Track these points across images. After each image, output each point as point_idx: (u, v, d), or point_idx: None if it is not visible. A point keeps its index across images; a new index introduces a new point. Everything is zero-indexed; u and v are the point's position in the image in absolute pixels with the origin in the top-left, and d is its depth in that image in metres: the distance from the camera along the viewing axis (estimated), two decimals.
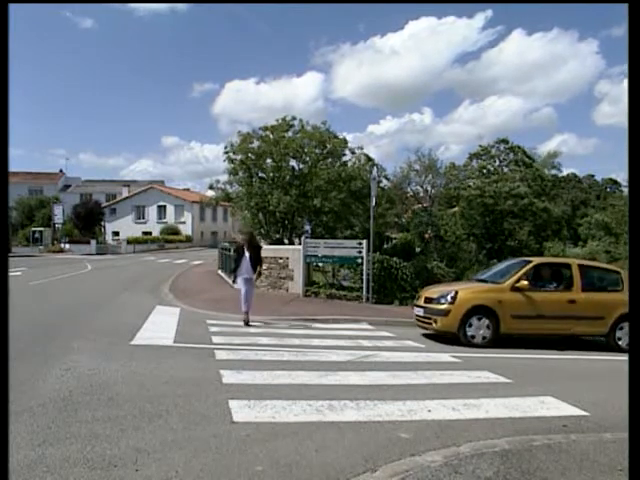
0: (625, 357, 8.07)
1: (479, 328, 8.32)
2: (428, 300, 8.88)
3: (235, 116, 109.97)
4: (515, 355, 7.72)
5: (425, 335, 9.05)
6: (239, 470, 2.93)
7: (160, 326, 8.41)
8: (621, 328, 8.79)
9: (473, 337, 8.31)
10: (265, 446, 3.29)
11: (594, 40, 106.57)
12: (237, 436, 3.44)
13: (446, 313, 8.40)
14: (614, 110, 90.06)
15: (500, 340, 8.34)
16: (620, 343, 8.80)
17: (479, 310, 8.34)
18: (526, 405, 4.56)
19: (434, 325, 8.61)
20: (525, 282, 8.60)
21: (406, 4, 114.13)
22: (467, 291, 8.75)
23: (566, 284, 9.01)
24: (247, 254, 9.23)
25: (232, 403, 4.11)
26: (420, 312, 9.00)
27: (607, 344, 8.85)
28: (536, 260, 9.52)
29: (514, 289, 8.54)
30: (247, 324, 9.02)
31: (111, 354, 5.98)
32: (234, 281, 9.89)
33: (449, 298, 8.49)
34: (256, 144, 21.43)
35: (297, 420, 3.84)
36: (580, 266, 9.16)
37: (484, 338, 8.32)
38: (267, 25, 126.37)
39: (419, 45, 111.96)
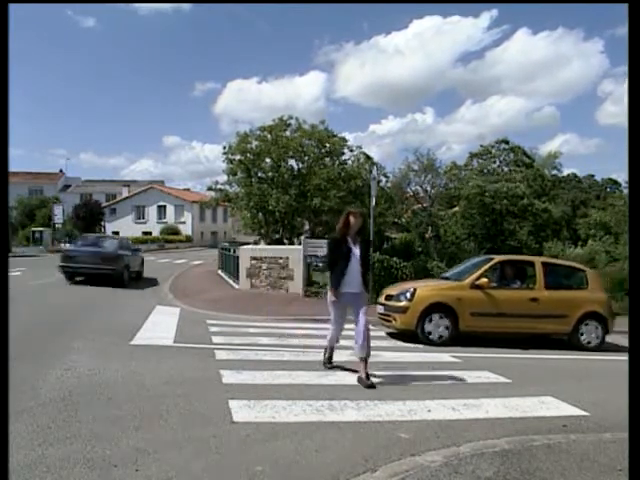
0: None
1: (437, 326, 8.22)
2: (388, 297, 8.87)
3: (237, 116, 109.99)
4: (515, 355, 7.72)
5: (390, 334, 9.00)
6: (239, 470, 2.93)
7: (160, 326, 8.41)
8: (585, 326, 8.80)
9: (431, 334, 8.23)
10: (265, 446, 3.29)
11: (599, 40, 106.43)
12: (237, 436, 3.44)
13: (404, 310, 8.35)
14: (617, 110, 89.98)
15: (460, 338, 8.25)
16: (583, 341, 8.76)
17: (437, 308, 8.25)
18: (526, 405, 4.56)
19: (393, 323, 8.58)
20: (485, 279, 8.52)
21: (411, 4, 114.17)
22: (426, 289, 8.71)
23: (529, 282, 8.97)
24: (356, 250, 5.19)
25: (232, 403, 4.11)
26: (381, 310, 8.96)
27: (569, 342, 8.79)
28: (498, 258, 9.50)
29: (474, 287, 8.46)
30: (368, 382, 4.99)
31: (111, 354, 5.98)
32: (335, 295, 5.21)
33: (407, 295, 8.45)
34: (254, 144, 21.45)
35: (297, 420, 3.84)
36: (544, 264, 9.10)
37: (441, 336, 8.21)
38: (270, 24, 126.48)
39: (423, 44, 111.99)
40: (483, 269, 8.78)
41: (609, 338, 9.23)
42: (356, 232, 5.21)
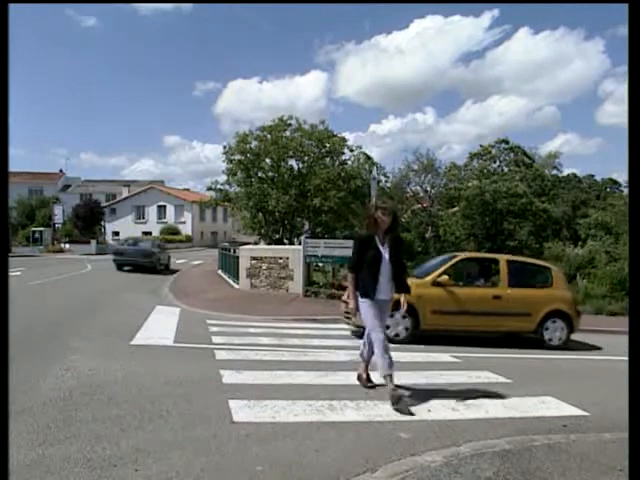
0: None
1: (397, 324, 8.12)
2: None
3: (237, 115, 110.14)
4: (515, 355, 7.72)
5: (353, 333, 8.93)
6: (239, 470, 2.93)
7: (160, 326, 8.41)
8: (550, 324, 8.68)
9: (391, 332, 8.13)
10: (265, 446, 3.29)
11: (600, 39, 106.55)
12: (237, 436, 3.44)
13: None
14: (618, 109, 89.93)
15: (421, 336, 8.20)
16: (548, 340, 8.67)
17: (396, 305, 8.13)
18: (526, 405, 4.56)
19: (353, 319, 8.48)
20: (446, 277, 8.41)
21: (413, 4, 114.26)
22: None
23: (493, 280, 8.91)
24: (385, 252, 4.52)
25: (232, 403, 4.11)
26: (343, 307, 8.88)
27: (536, 341, 8.70)
28: (462, 255, 9.44)
29: (435, 284, 8.37)
30: (368, 384, 4.98)
31: (111, 354, 5.97)
32: (368, 299, 4.51)
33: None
34: (254, 144, 21.46)
35: (297, 420, 3.84)
36: (508, 262, 9.00)
37: (398, 335, 8.12)
38: (271, 24, 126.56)
39: (424, 44, 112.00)
40: (445, 266, 8.69)
41: (583, 337, 9.27)
42: (385, 231, 4.52)
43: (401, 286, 4.71)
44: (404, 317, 8.00)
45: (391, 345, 7.46)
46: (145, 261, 20.77)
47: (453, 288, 8.42)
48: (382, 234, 4.53)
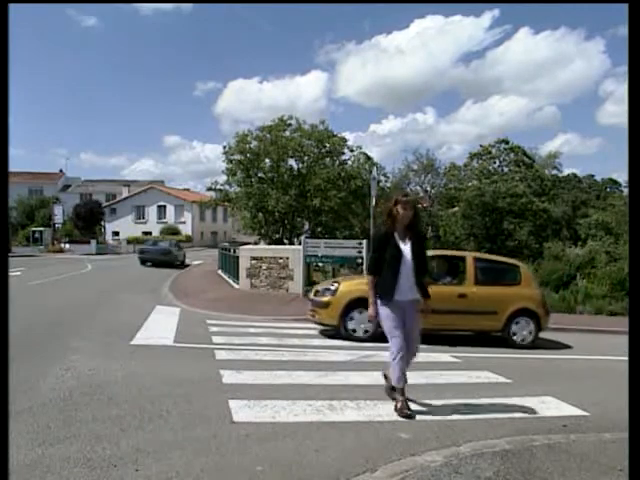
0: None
1: (360, 322, 8.05)
2: (316, 292, 8.84)
3: (238, 115, 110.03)
4: (515, 355, 7.72)
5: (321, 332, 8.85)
6: (239, 470, 2.93)
7: (160, 326, 8.41)
8: (517, 323, 8.52)
9: (354, 331, 8.12)
10: (265, 446, 3.29)
11: (601, 39, 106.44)
12: (237, 436, 3.44)
13: (326, 305, 8.29)
14: (618, 109, 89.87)
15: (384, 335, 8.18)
16: (515, 339, 8.51)
17: (361, 303, 7.87)
18: (526, 405, 4.56)
19: (317, 317, 8.51)
20: None
21: (413, 4, 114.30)
22: (350, 283, 8.60)
23: (460, 278, 8.80)
24: (406, 249, 4.11)
25: (232, 403, 4.11)
26: (309, 304, 8.93)
27: (503, 340, 8.54)
28: (429, 253, 9.42)
29: None
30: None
31: (111, 354, 5.97)
32: (386, 301, 4.10)
33: (331, 290, 8.40)
34: (253, 144, 21.46)
35: (297, 420, 3.84)
36: (475, 259, 8.91)
37: (366, 332, 8.07)
38: (271, 24, 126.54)
39: (425, 44, 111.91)
40: None
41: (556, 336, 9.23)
42: (406, 226, 4.10)
43: (417, 287, 4.19)
44: (361, 312, 7.94)
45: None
46: (164, 258, 24.97)
47: None
48: (403, 230, 4.11)
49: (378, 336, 7.99)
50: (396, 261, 4.05)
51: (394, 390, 4.17)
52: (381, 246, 4.15)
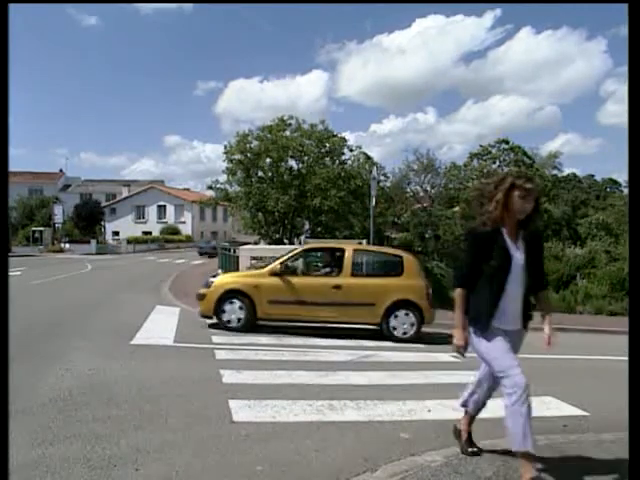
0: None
1: (233, 312, 8.20)
2: (204, 285, 8.97)
3: (238, 115, 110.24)
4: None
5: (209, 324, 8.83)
6: (239, 470, 2.93)
7: (160, 326, 8.40)
8: (396, 316, 8.24)
9: (229, 322, 8.22)
10: (265, 446, 3.29)
11: (603, 39, 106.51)
12: (237, 436, 3.44)
13: (202, 297, 8.51)
14: (619, 109, 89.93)
15: (260, 325, 8.34)
16: (395, 333, 8.22)
17: (234, 294, 8.24)
18: None
19: (199, 309, 8.72)
20: (279, 267, 8.40)
21: (415, 3, 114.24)
22: (226, 276, 8.94)
23: (337, 269, 8.71)
24: (519, 254, 2.81)
25: (232, 403, 4.11)
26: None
27: (382, 334, 8.29)
28: (307, 245, 9.56)
29: (273, 274, 8.35)
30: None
31: (111, 354, 5.97)
32: (482, 329, 2.85)
33: (209, 282, 8.63)
34: (254, 143, 21.45)
35: (297, 420, 3.84)
36: (355, 250, 8.85)
37: (239, 321, 8.19)
38: (272, 23, 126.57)
39: (426, 44, 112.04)
40: (285, 257, 8.67)
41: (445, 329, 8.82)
42: (519, 222, 2.80)
43: (541, 307, 3.01)
44: (240, 308, 8.18)
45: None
46: (212, 251, 33.26)
47: (292, 278, 8.37)
48: (514, 227, 2.82)
49: (254, 327, 8.22)
50: (503, 273, 2.78)
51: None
52: (480, 249, 2.81)
